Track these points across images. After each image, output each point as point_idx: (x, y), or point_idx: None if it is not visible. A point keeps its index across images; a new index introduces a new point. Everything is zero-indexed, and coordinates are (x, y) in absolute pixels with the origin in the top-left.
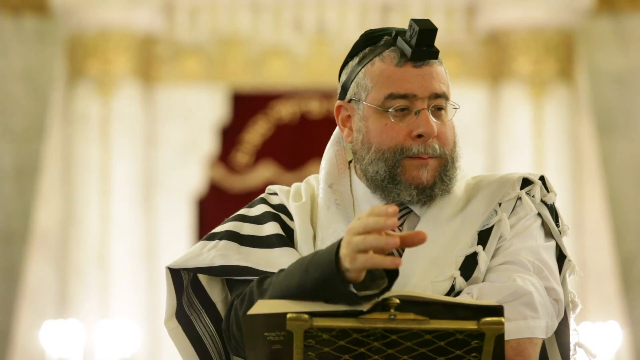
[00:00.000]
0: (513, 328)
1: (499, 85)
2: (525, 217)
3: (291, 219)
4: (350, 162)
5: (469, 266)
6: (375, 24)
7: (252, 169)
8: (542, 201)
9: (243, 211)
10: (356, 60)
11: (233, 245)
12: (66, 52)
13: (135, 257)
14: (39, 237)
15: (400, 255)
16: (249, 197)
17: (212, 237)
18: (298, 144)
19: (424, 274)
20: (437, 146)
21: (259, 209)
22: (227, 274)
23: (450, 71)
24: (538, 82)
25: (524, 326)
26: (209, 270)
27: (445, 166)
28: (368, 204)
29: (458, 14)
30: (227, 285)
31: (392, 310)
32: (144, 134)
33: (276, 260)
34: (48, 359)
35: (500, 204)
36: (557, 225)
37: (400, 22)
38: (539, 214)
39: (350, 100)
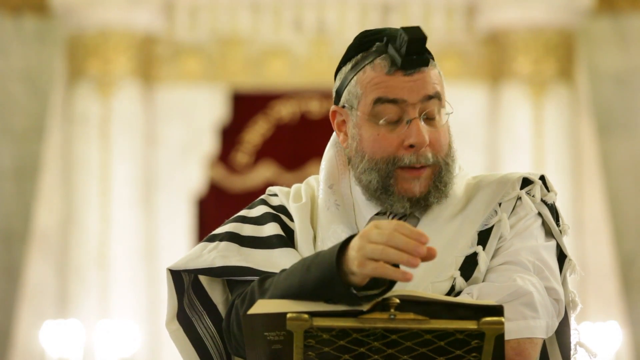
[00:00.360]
0: (513, 328)
1: (499, 85)
2: (526, 217)
3: (291, 219)
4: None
5: (469, 266)
6: (375, 24)
7: (252, 169)
8: (543, 201)
9: (243, 212)
10: (349, 66)
11: (233, 246)
12: (66, 52)
13: (135, 257)
14: (39, 237)
15: None
16: (249, 197)
17: (213, 239)
18: (298, 144)
19: (424, 274)
20: (429, 155)
21: (259, 210)
22: (227, 275)
23: (450, 71)
24: (538, 82)
25: (524, 326)
26: (210, 272)
27: (439, 173)
28: (367, 208)
29: (458, 14)
30: (228, 286)
31: (392, 310)
32: (144, 134)
33: (276, 260)
34: (48, 359)
35: (500, 204)
36: (558, 225)
37: (401, 22)
38: (539, 214)
39: (344, 106)
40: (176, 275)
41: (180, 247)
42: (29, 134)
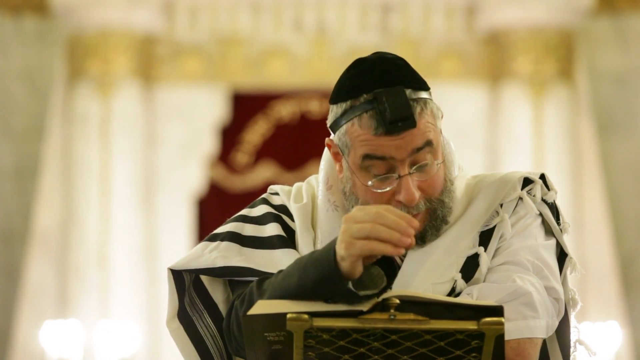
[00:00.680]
0: (513, 328)
1: (499, 85)
2: (525, 217)
3: (292, 219)
4: None
5: (470, 268)
6: (375, 24)
7: (252, 169)
8: (543, 200)
9: (244, 212)
10: (339, 110)
11: (234, 246)
12: (66, 52)
13: (135, 257)
14: (39, 237)
15: (402, 260)
16: (249, 197)
17: (214, 238)
18: (298, 144)
19: (425, 276)
20: (422, 204)
21: (260, 210)
22: (228, 275)
23: (450, 71)
24: (538, 82)
25: (524, 326)
26: (211, 272)
27: (434, 213)
28: None
29: (458, 14)
30: (229, 285)
31: (392, 311)
32: (144, 134)
33: (277, 261)
34: (48, 359)
35: (501, 205)
36: (558, 223)
37: (401, 22)
38: (540, 214)
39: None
40: (177, 274)
41: (180, 247)
42: (29, 134)
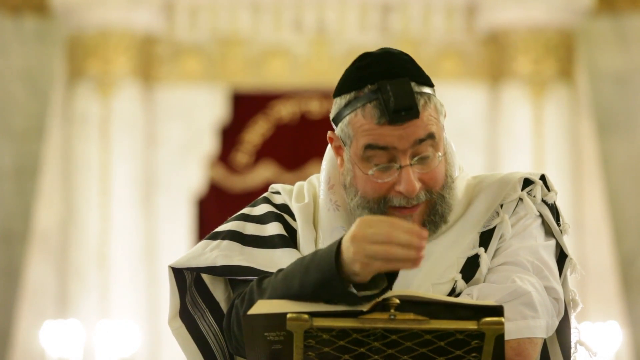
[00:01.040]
0: (513, 328)
1: (499, 85)
2: (525, 217)
3: (294, 219)
4: None
5: (470, 268)
6: (375, 24)
7: (252, 169)
8: (543, 200)
9: (246, 210)
10: (343, 101)
11: (235, 245)
12: (66, 52)
13: (135, 257)
14: (39, 237)
15: None
16: (249, 197)
17: (215, 237)
18: (298, 144)
19: (425, 277)
20: (422, 195)
21: (261, 209)
22: (229, 274)
23: (450, 71)
24: (538, 82)
25: (524, 326)
26: (212, 270)
27: (433, 207)
28: None
29: (458, 14)
30: (230, 284)
31: (392, 311)
32: (144, 134)
33: (278, 261)
34: (48, 359)
35: (501, 206)
36: (558, 224)
37: (401, 22)
38: (540, 214)
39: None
40: (178, 272)
41: (180, 247)
42: (29, 134)
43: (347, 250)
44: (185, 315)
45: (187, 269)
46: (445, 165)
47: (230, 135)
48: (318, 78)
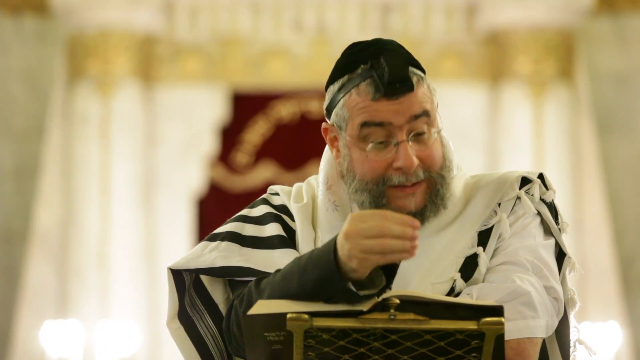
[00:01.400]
0: (513, 328)
1: (499, 85)
2: (524, 216)
3: (293, 219)
4: None
5: (469, 267)
6: (375, 24)
7: (252, 169)
8: (542, 199)
9: (245, 212)
10: (337, 86)
11: (234, 246)
12: (66, 52)
13: (135, 257)
14: (39, 237)
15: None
16: (249, 197)
17: (214, 238)
18: (298, 144)
19: (424, 276)
20: (420, 172)
21: (260, 210)
22: (228, 275)
23: (450, 71)
24: (538, 82)
25: (524, 326)
26: (210, 271)
27: (434, 187)
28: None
29: (458, 14)
30: (229, 285)
31: (392, 310)
32: (144, 134)
33: (277, 261)
34: (48, 359)
35: (499, 204)
36: (557, 223)
37: (401, 22)
38: (539, 213)
39: (334, 125)
40: (177, 274)
41: (180, 247)
42: (29, 134)
43: (342, 247)
44: (184, 317)
45: (186, 270)
46: (442, 147)
47: (230, 135)
48: (318, 78)
